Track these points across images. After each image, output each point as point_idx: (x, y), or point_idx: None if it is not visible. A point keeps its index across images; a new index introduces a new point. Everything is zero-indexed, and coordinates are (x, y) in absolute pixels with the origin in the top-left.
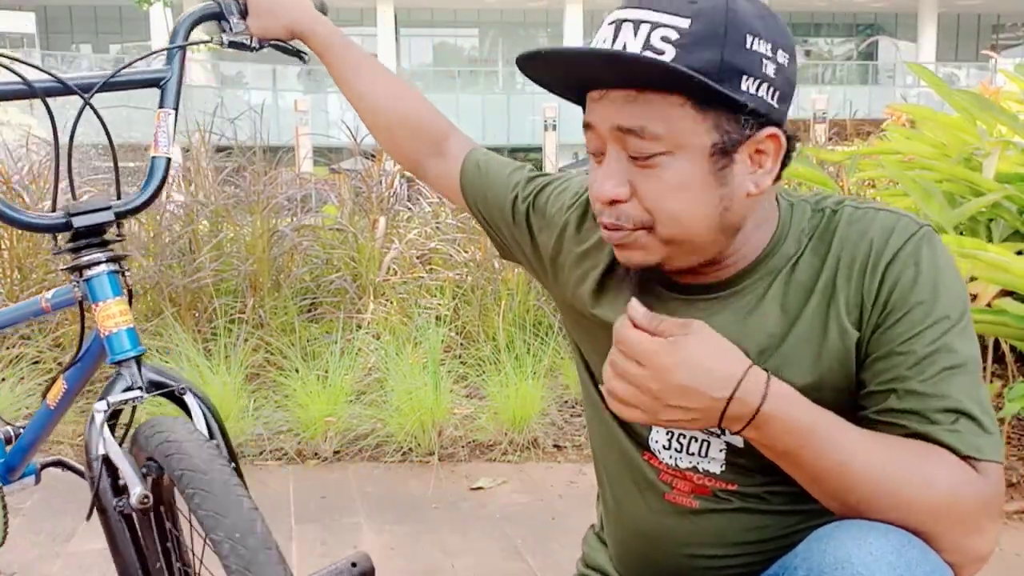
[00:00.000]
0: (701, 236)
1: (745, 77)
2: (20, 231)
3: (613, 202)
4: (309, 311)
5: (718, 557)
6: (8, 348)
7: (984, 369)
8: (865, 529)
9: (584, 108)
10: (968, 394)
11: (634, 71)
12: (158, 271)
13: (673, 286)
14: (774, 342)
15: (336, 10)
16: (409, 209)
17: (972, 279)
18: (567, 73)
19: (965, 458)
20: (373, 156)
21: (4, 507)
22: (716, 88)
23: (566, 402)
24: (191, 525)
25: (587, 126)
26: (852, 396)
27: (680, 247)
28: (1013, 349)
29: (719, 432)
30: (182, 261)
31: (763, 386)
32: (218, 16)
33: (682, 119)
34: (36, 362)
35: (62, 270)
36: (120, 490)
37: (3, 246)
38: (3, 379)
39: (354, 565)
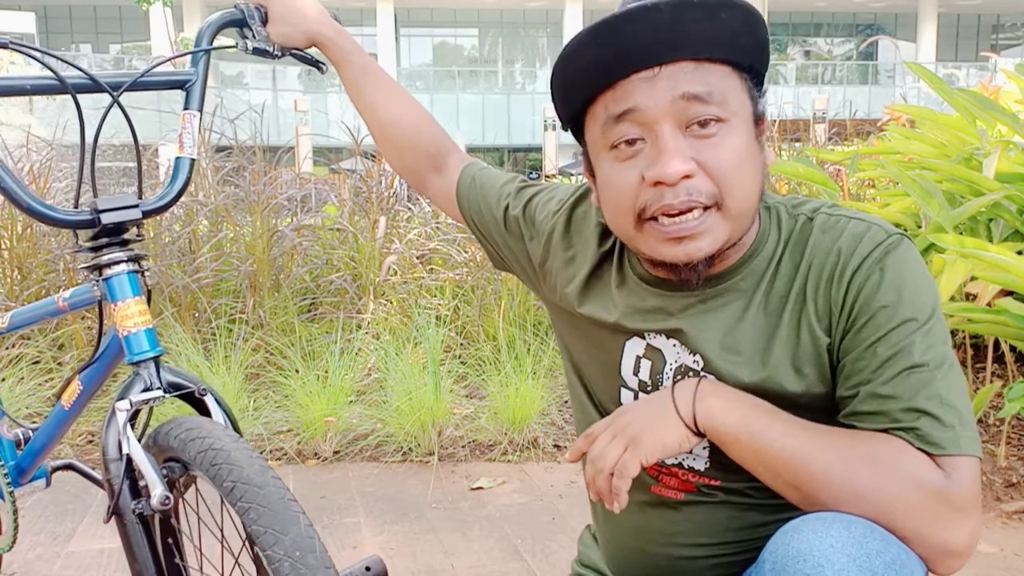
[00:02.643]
0: (754, 208)
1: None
2: (20, 232)
3: (684, 178)
4: (309, 311)
5: (705, 546)
6: (8, 348)
7: (984, 369)
8: (829, 521)
9: (573, 126)
10: (928, 393)
11: (702, 37)
12: (158, 271)
13: (653, 283)
14: (762, 352)
15: (336, 10)
16: (409, 209)
17: (972, 279)
18: (621, 48)
19: (925, 454)
20: (373, 156)
21: (15, 511)
22: (767, 57)
23: (566, 402)
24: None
25: (624, 114)
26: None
27: (741, 222)
28: (1013, 349)
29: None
30: (182, 261)
31: (694, 382)
32: (240, 23)
33: (733, 88)
34: (36, 362)
35: (81, 268)
36: (137, 492)
37: (3, 246)
38: (3, 379)
39: (368, 569)
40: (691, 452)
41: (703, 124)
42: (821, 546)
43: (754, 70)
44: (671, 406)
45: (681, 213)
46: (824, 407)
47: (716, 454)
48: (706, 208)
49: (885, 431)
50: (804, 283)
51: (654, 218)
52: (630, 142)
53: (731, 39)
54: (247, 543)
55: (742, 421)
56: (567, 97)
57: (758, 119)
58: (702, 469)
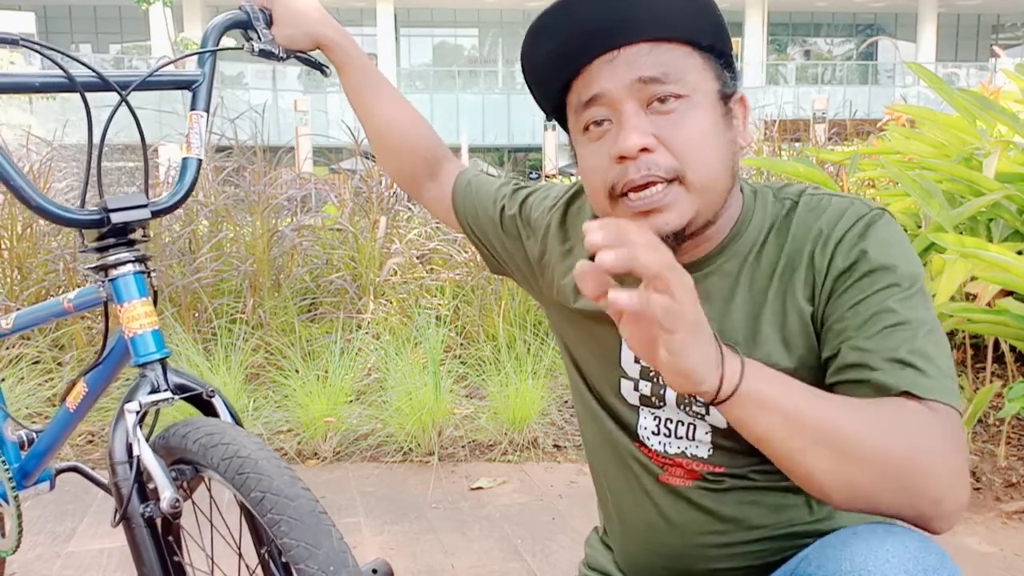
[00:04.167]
0: (722, 182)
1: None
2: (20, 232)
3: (643, 151)
4: (309, 311)
5: (715, 533)
6: (8, 348)
7: (984, 369)
8: (881, 535)
9: (558, 117)
10: (911, 347)
11: (653, 17)
12: (158, 271)
13: None
14: (751, 332)
15: (336, 10)
16: (409, 209)
17: (972, 279)
18: (578, 34)
19: (909, 396)
20: (373, 157)
21: (19, 514)
22: (726, 38)
23: (566, 402)
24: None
25: (591, 100)
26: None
27: (708, 195)
28: (1013, 349)
29: (703, 414)
30: (182, 261)
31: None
32: (245, 24)
33: (693, 67)
34: (36, 362)
35: (86, 269)
36: (145, 495)
37: (3, 246)
38: (3, 379)
39: (375, 572)
40: (694, 439)
41: (663, 100)
42: (877, 561)
43: (716, 50)
44: (716, 360)
45: (644, 187)
46: (814, 381)
47: (718, 438)
48: (669, 182)
49: (864, 380)
50: (789, 259)
51: (624, 195)
52: (598, 123)
53: (685, 20)
54: (256, 542)
55: (778, 414)
56: (543, 90)
57: (726, 97)
58: (705, 457)
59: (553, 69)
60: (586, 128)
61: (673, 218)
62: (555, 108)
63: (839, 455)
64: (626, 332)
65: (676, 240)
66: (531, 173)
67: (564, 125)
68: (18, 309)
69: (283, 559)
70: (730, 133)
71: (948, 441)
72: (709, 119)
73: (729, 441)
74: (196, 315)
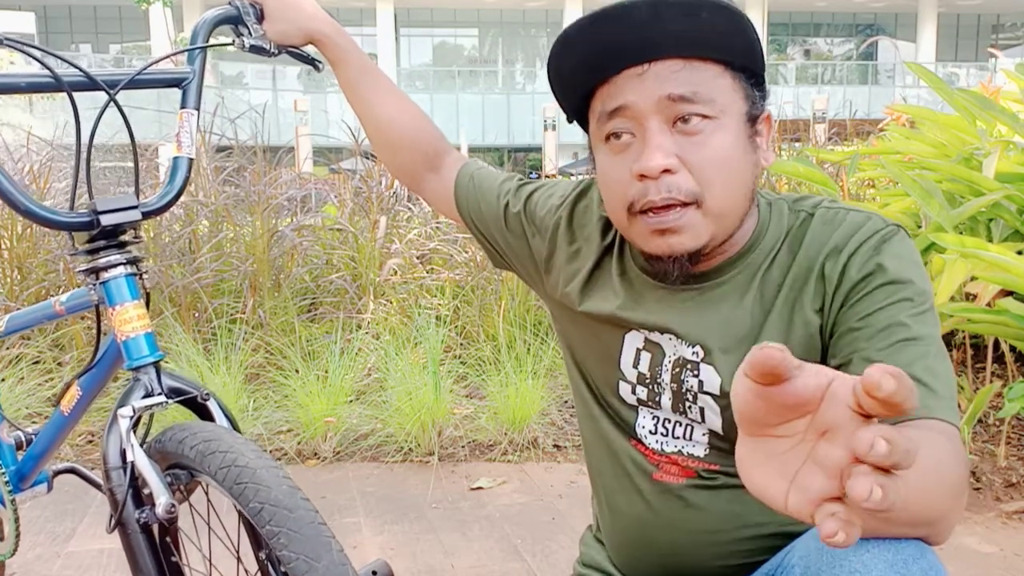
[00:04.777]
0: (740, 207)
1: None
2: (20, 232)
3: (665, 172)
4: (309, 311)
5: (707, 532)
6: (8, 348)
7: (984, 369)
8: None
9: (578, 118)
10: (924, 365)
11: (685, 36)
12: (158, 271)
13: (654, 276)
14: (751, 337)
15: (336, 10)
16: (409, 209)
17: (972, 279)
18: (607, 47)
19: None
20: (373, 156)
21: (16, 517)
22: (760, 58)
23: (566, 402)
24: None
25: (616, 111)
26: None
27: (724, 220)
28: (1013, 349)
29: (699, 420)
30: (182, 261)
31: None
32: (236, 20)
33: (724, 88)
34: (36, 362)
35: (78, 271)
36: (140, 500)
37: (3, 246)
38: (3, 379)
39: (375, 573)
40: (691, 439)
41: (687, 120)
42: (857, 552)
43: (749, 70)
44: None
45: (663, 208)
46: None
47: (715, 440)
48: (686, 205)
49: None
50: (800, 270)
51: (643, 212)
52: (618, 135)
53: (719, 40)
54: (254, 547)
55: None
56: (567, 94)
57: (754, 119)
58: (702, 455)
59: (579, 79)
60: (607, 138)
61: (688, 240)
62: (576, 110)
63: (892, 526)
64: (756, 405)
65: (690, 260)
66: (531, 173)
67: (584, 126)
68: (17, 309)
69: (282, 568)
70: (754, 156)
71: (965, 474)
72: (733, 143)
73: (725, 443)
74: (196, 315)
